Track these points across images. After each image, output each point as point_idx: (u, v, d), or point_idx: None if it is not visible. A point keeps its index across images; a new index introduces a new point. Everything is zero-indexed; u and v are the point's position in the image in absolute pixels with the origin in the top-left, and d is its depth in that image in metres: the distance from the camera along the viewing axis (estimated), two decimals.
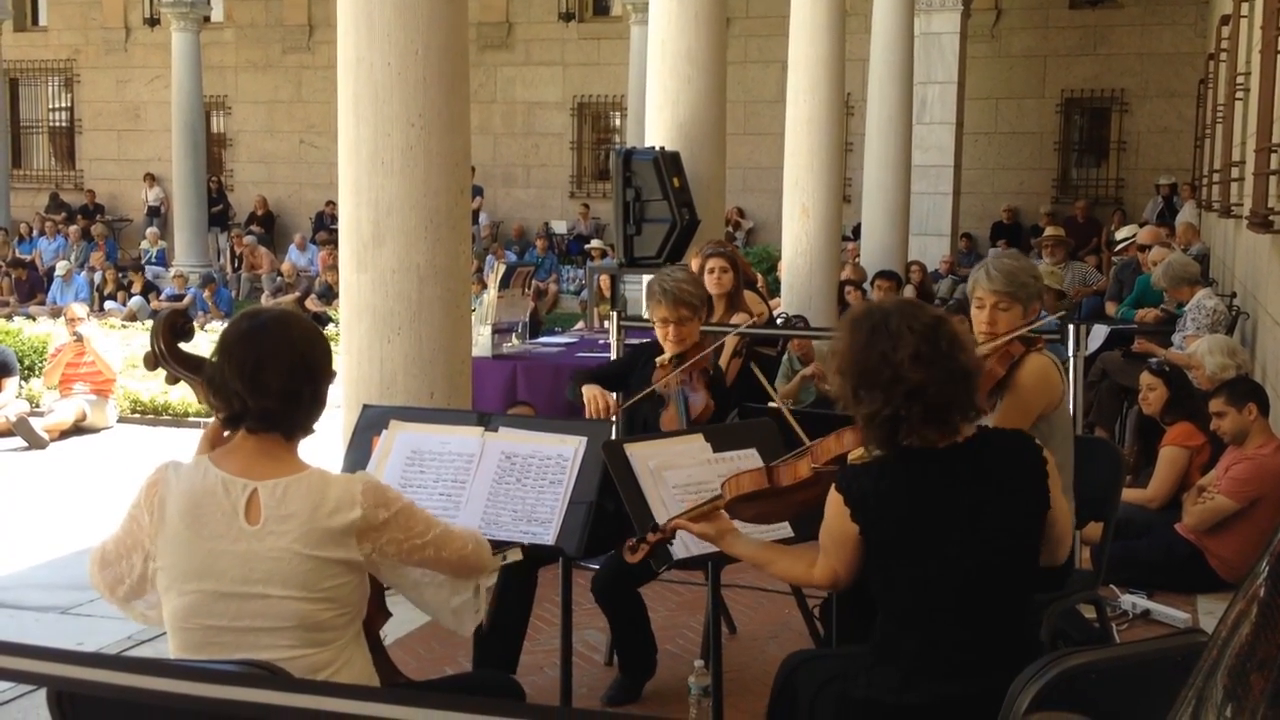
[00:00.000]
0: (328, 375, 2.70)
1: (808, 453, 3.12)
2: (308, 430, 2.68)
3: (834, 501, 2.88)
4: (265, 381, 2.56)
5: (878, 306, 2.99)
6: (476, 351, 6.84)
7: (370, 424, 3.79)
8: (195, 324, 3.06)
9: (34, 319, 14.59)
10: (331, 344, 2.86)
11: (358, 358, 5.32)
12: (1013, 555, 2.87)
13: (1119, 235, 12.93)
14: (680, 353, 4.72)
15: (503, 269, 8.35)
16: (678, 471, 3.62)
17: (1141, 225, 13.15)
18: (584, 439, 3.62)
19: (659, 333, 4.75)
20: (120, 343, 11.65)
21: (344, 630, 2.61)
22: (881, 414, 2.78)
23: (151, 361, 2.86)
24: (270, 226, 22.86)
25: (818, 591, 4.40)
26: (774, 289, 12.74)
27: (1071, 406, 6.00)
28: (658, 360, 4.77)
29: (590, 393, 4.61)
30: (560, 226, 21.49)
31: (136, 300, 18.13)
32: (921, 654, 2.81)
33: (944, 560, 2.79)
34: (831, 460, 3.04)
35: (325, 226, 20.57)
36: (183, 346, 2.86)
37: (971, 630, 2.81)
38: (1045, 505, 2.90)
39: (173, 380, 2.89)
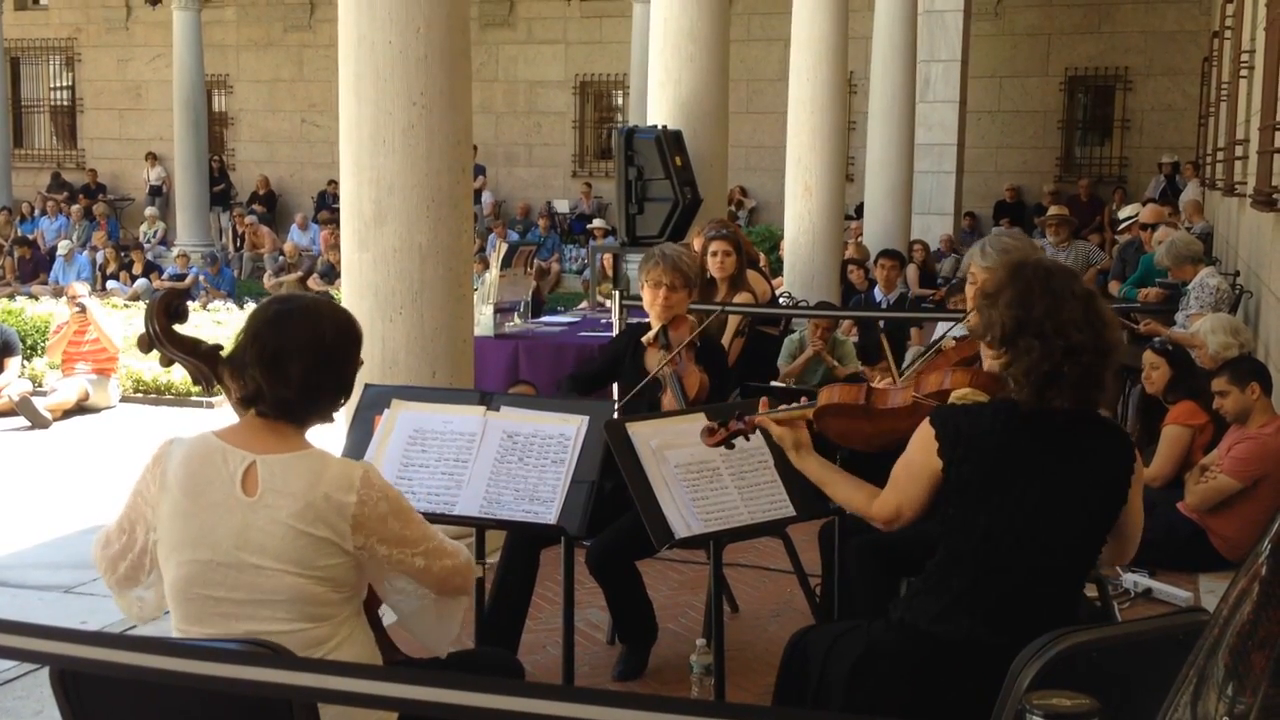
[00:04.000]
0: (353, 367, 2.71)
1: (910, 385, 3.12)
2: (324, 419, 2.70)
3: (923, 434, 2.88)
4: (286, 371, 2.57)
5: (1038, 262, 3.01)
6: (478, 331, 6.84)
7: (372, 403, 3.78)
8: (196, 304, 3.06)
9: (36, 298, 14.59)
10: None
11: None
12: (1080, 536, 2.89)
13: (1121, 214, 12.90)
14: (664, 326, 4.70)
15: (505, 248, 8.34)
16: (679, 451, 3.62)
17: (1144, 204, 13.11)
18: (586, 418, 3.62)
19: (648, 299, 4.74)
20: (123, 322, 11.64)
21: (342, 607, 2.61)
22: (1040, 368, 2.79)
23: (146, 344, 2.86)
24: (272, 206, 22.85)
25: (817, 571, 4.41)
26: (776, 268, 12.73)
27: None
28: (644, 340, 4.75)
29: None
30: (562, 206, 21.46)
31: (141, 283, 18.12)
32: (967, 592, 2.85)
33: (1013, 519, 2.81)
34: (932, 395, 3.05)
35: (327, 206, 20.56)
36: (177, 328, 2.86)
37: (1020, 591, 2.84)
38: (1123, 500, 2.92)
39: (167, 362, 2.88)
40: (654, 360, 4.69)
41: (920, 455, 2.89)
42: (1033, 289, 2.85)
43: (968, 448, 2.83)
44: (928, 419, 2.90)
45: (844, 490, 3.13)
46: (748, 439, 3.30)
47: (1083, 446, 2.88)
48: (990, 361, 2.99)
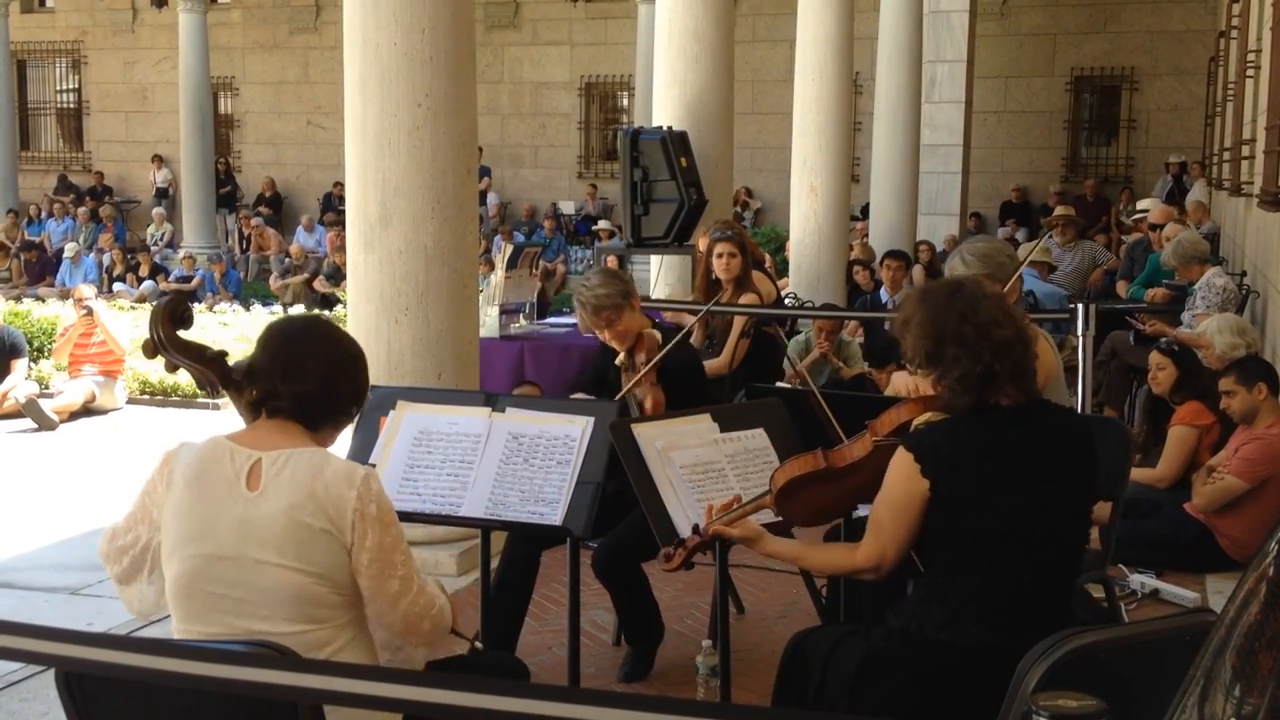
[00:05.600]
0: (366, 379, 2.76)
1: (864, 433, 3.10)
2: (335, 429, 2.73)
3: (901, 462, 2.88)
4: (304, 370, 2.62)
5: (945, 279, 3.13)
6: (484, 332, 6.84)
7: (377, 405, 3.79)
8: (202, 306, 3.08)
9: (43, 300, 14.61)
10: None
11: (365, 339, 5.31)
12: (1075, 519, 2.94)
13: (1139, 206, 12.88)
14: (630, 347, 4.64)
15: (510, 249, 8.33)
16: (685, 452, 3.61)
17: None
18: (591, 419, 3.62)
19: (599, 336, 4.69)
20: (129, 324, 11.66)
21: (343, 610, 2.62)
22: (974, 371, 2.85)
23: (151, 349, 2.88)
24: (278, 208, 22.86)
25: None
26: (782, 269, 12.72)
27: (1080, 386, 6.01)
28: (617, 363, 4.68)
29: None
30: (568, 207, 21.45)
31: (148, 285, 18.15)
32: (974, 598, 2.84)
33: (1011, 514, 2.83)
34: (892, 432, 3.04)
35: (333, 208, 20.57)
36: (182, 334, 2.88)
37: (1026, 587, 2.84)
38: (1096, 474, 2.97)
39: (172, 368, 2.91)
40: (626, 383, 4.67)
41: (902, 484, 2.88)
42: (939, 304, 2.94)
43: (951, 460, 2.85)
44: (901, 446, 2.90)
45: (820, 557, 3.17)
46: (704, 553, 3.26)
47: (1051, 432, 2.94)
48: (930, 385, 3.02)
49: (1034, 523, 2.84)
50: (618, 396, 4.52)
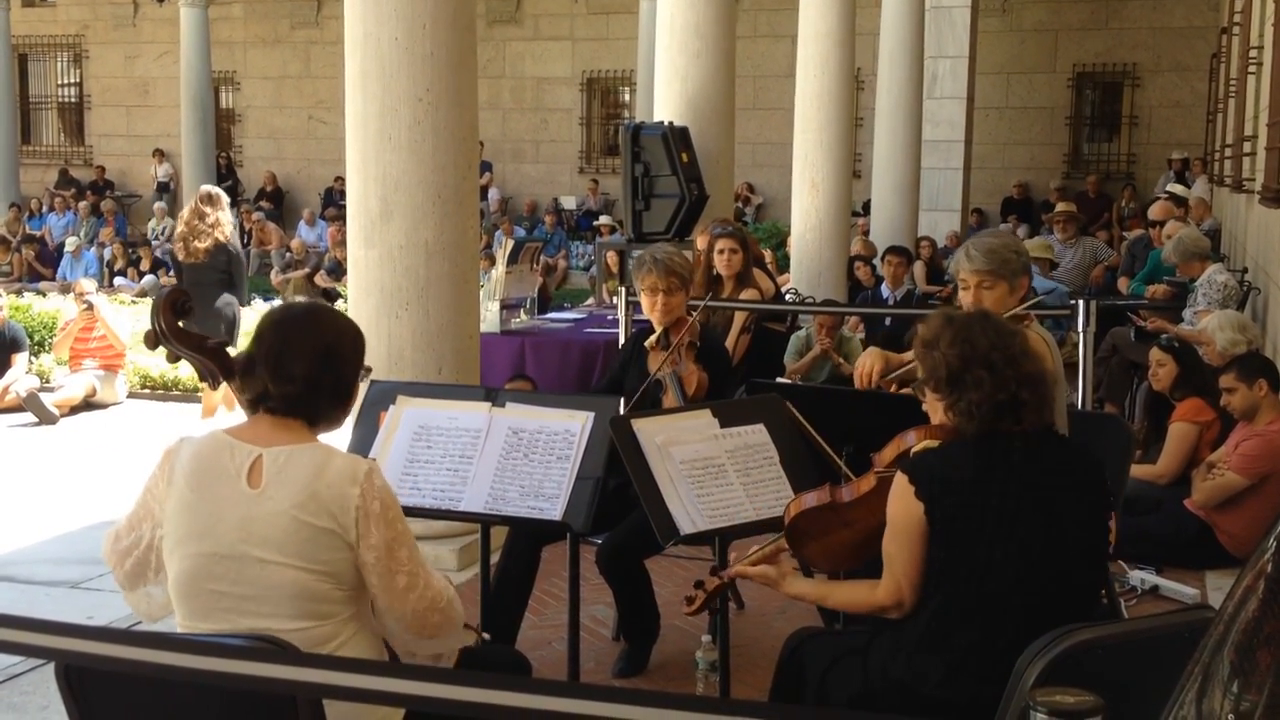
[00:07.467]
0: (354, 368, 2.73)
1: (869, 472, 3.07)
2: (332, 422, 2.71)
3: (899, 486, 2.83)
4: (289, 370, 2.61)
5: (968, 310, 3.12)
6: (484, 327, 6.84)
7: (377, 400, 3.79)
8: None
9: (44, 294, 14.61)
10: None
11: (365, 334, 5.30)
12: (1081, 552, 2.84)
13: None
14: (665, 328, 4.70)
15: (511, 244, 8.34)
16: (684, 447, 3.61)
17: (1152, 201, 13.10)
18: (591, 415, 3.62)
19: (645, 304, 4.76)
20: (131, 318, 11.66)
21: (346, 605, 2.61)
22: (994, 398, 2.80)
23: (152, 340, 2.88)
24: (279, 202, 22.85)
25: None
26: (783, 264, 12.72)
27: (1081, 382, 6.01)
28: (646, 345, 4.75)
29: None
30: (569, 202, 21.44)
31: (149, 279, 18.14)
32: (973, 651, 2.75)
33: (1010, 545, 2.74)
34: (893, 462, 3.00)
35: (334, 202, 20.56)
36: (183, 325, 2.88)
37: (1029, 631, 2.70)
38: (1107, 508, 2.91)
39: (173, 359, 2.92)
40: (656, 362, 4.70)
41: (901, 509, 2.82)
42: (972, 327, 2.90)
43: (945, 482, 2.78)
44: (899, 471, 2.85)
45: (843, 595, 3.11)
46: (728, 595, 3.25)
47: (1059, 464, 2.85)
48: (937, 409, 2.96)
49: (1035, 560, 2.75)
50: (654, 372, 4.56)
